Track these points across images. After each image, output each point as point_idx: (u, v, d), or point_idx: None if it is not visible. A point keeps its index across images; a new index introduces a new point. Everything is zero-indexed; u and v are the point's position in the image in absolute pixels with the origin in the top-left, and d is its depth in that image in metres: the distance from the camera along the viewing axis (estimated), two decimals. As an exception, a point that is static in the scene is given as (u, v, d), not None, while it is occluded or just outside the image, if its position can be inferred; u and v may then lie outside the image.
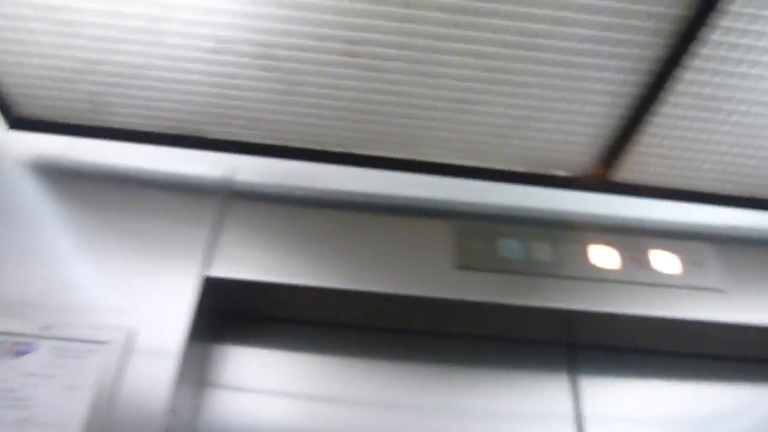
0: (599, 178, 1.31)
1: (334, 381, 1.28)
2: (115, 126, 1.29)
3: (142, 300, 1.15)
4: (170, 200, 1.28)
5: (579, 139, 1.23)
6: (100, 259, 1.19)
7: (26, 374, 1.06)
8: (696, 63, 1.07)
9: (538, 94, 1.15)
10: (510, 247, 1.31)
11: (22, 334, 1.10)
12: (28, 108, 1.28)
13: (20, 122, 1.31)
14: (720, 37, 1.03)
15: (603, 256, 1.32)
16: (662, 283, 1.30)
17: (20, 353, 1.08)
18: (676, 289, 1.30)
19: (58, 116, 1.29)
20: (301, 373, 1.28)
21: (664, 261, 1.33)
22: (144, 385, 1.06)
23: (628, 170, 1.30)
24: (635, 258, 1.32)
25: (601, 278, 1.29)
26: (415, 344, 1.34)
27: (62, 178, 1.30)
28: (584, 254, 1.31)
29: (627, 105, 1.16)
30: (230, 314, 1.31)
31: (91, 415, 1.02)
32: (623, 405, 1.33)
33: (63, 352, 1.08)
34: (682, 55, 1.04)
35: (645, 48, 1.05)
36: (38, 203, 1.26)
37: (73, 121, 1.29)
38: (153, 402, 1.05)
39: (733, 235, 1.40)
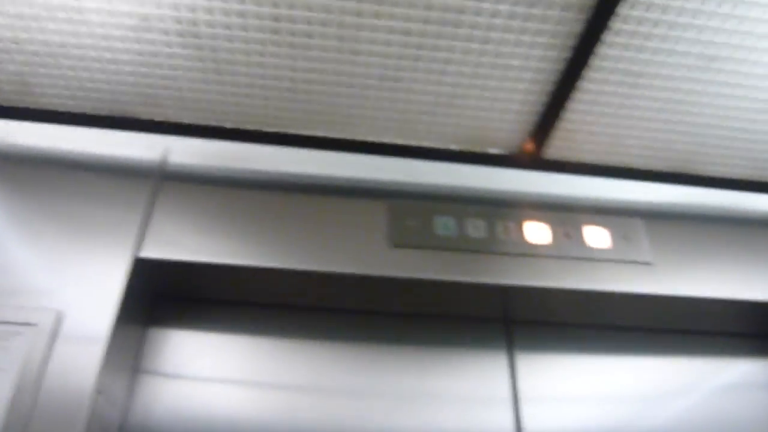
0: (530, 156, 1.34)
1: (268, 364, 1.28)
2: (44, 107, 1.27)
3: (72, 282, 1.14)
4: (102, 182, 1.27)
5: (508, 116, 1.26)
6: (29, 241, 1.18)
7: (-52, 357, 1.04)
8: (612, 38, 1.10)
9: (465, 71, 1.16)
10: (445, 224, 1.32)
11: (-54, 317, 1.08)
12: (-48, 90, 1.25)
13: (-55, 105, 1.28)
14: (634, 12, 1.06)
15: (536, 232, 1.35)
16: (593, 258, 1.33)
17: (-57, 337, 1.06)
18: (606, 263, 1.33)
19: (-16, 98, 1.26)
20: (235, 356, 1.28)
21: (595, 236, 1.36)
22: (71, 368, 1.05)
23: (557, 147, 1.33)
24: (567, 233, 1.36)
25: (535, 254, 1.31)
26: (351, 324, 1.35)
27: (-8, 162, 1.27)
28: (519, 231, 1.34)
29: (551, 81, 1.18)
30: (163, 297, 1.30)
31: (16, 398, 1.01)
32: (560, 382, 1.35)
33: (-12, 334, 1.07)
34: (601, 29, 1.07)
35: (564, 23, 1.07)
36: (-35, 187, 1.23)
37: (1, 104, 1.27)
38: (79, 386, 1.03)
39: (660, 210, 1.44)
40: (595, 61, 1.14)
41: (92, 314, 1.10)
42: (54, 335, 1.08)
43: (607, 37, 1.09)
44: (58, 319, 1.09)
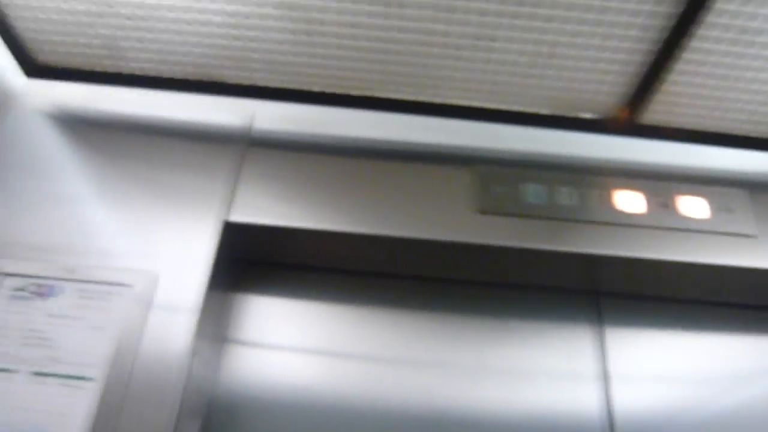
0: (625, 121, 1.27)
1: (350, 332, 1.28)
2: (132, 72, 1.28)
3: (164, 245, 1.15)
4: (189, 147, 1.27)
5: (607, 78, 1.19)
6: (120, 206, 1.19)
7: (52, 315, 1.07)
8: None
9: (566, 29, 1.10)
10: (534, 191, 1.28)
11: (46, 277, 1.10)
12: (45, 55, 1.27)
13: (38, 70, 1.30)
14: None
15: (629, 201, 1.29)
16: (690, 228, 1.27)
17: (45, 295, 1.09)
18: (704, 235, 1.26)
19: (75, 63, 1.28)
20: (317, 324, 1.28)
21: (692, 206, 1.29)
22: (167, 330, 1.07)
23: (655, 112, 1.26)
24: (662, 203, 1.29)
25: (627, 223, 1.26)
26: (436, 293, 1.33)
27: (81, 127, 1.29)
28: (610, 199, 1.29)
29: (655, 39, 1.11)
30: (248, 262, 1.31)
31: (116, 356, 1.03)
32: (652, 359, 1.30)
33: (86, 294, 1.09)
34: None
35: (677, -24, 1.01)
36: (58, 151, 1.26)
37: (90, 68, 1.28)
38: (176, 348, 1.05)
39: (764, 180, 1.35)
40: (707, 17, 1.06)
41: (183, 277, 1.12)
42: (149, 297, 1.09)
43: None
44: (153, 281, 1.11)
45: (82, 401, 1.00)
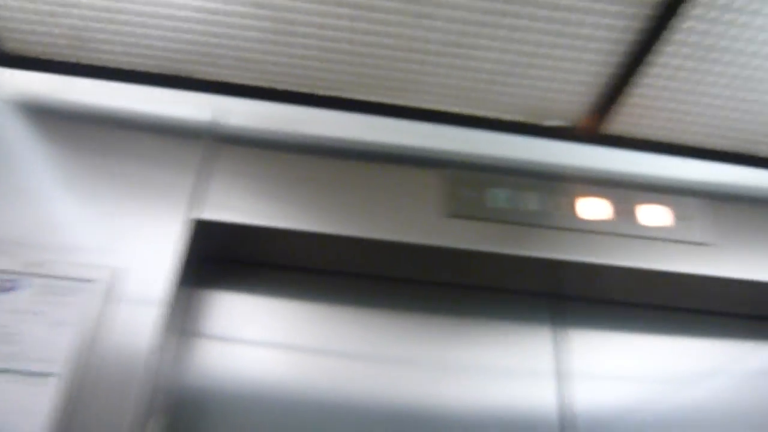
0: (591, 130, 1.29)
1: (316, 330, 1.28)
2: (100, 64, 1.26)
3: (129, 241, 1.15)
4: (157, 142, 1.27)
5: (573, 88, 1.21)
6: (86, 199, 1.19)
7: (13, 311, 1.06)
8: (696, 11, 1.04)
9: (534, 39, 1.12)
10: (499, 196, 1.30)
11: (7, 271, 1.10)
12: (11, 44, 1.25)
13: (5, 59, 1.28)
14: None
15: (592, 208, 1.31)
16: (651, 236, 1.30)
17: (6, 289, 1.08)
18: (664, 242, 1.30)
19: (41, 53, 1.25)
20: (284, 321, 1.29)
21: (653, 214, 1.32)
22: (128, 326, 1.07)
23: (620, 122, 1.28)
24: (624, 210, 1.32)
25: (589, 230, 1.29)
26: (400, 293, 1.35)
27: (47, 118, 1.28)
28: (573, 206, 1.31)
29: (624, 53, 1.13)
30: (215, 259, 1.31)
31: (78, 352, 1.03)
32: (606, 360, 1.34)
33: (49, 289, 1.09)
34: (682, 1, 1.01)
35: (644, -8, 1.02)
36: (23, 143, 1.24)
37: (59, 59, 1.26)
38: (136, 344, 1.05)
39: (723, 191, 1.39)
40: (675, 35, 1.08)
41: (149, 274, 1.12)
42: (112, 292, 1.09)
43: (686, 8, 1.03)
44: (116, 277, 1.11)
45: (44, 397, 1.00)
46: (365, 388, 1.24)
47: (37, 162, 1.22)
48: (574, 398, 1.28)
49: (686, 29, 1.08)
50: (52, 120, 1.27)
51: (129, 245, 1.14)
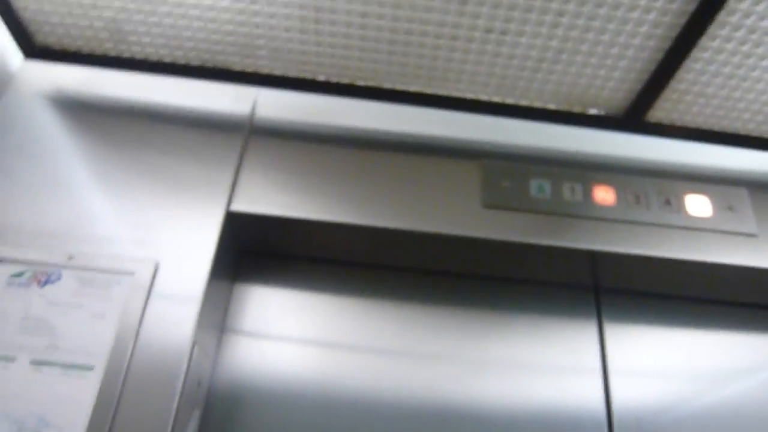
0: (634, 118, 1.27)
1: (351, 324, 1.27)
2: (134, 56, 1.26)
3: (165, 233, 1.13)
4: (190, 135, 1.25)
5: (612, 74, 1.19)
6: (120, 192, 1.17)
7: (52, 303, 1.05)
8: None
9: (581, 24, 1.09)
10: (538, 186, 1.28)
11: (47, 264, 1.08)
12: (46, 36, 1.24)
13: (38, 51, 1.27)
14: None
15: (633, 198, 1.29)
16: (693, 227, 1.27)
17: (44, 282, 1.07)
18: (706, 233, 1.27)
19: (76, 46, 1.25)
20: (318, 316, 1.27)
21: (695, 204, 1.30)
22: (168, 319, 1.05)
23: (664, 110, 1.26)
24: (667, 200, 1.29)
25: (630, 220, 1.26)
26: (439, 286, 1.33)
27: (82, 111, 1.27)
28: (616, 196, 1.28)
29: (665, 37, 1.10)
30: (250, 253, 1.30)
31: (116, 344, 1.02)
32: (651, 356, 1.31)
33: (88, 281, 1.07)
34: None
35: (693, -27, 1.00)
36: (57, 136, 1.23)
37: (92, 51, 1.26)
38: (177, 338, 1.04)
39: (764, 179, 1.36)
40: (720, 16, 1.06)
41: (187, 267, 1.10)
42: (150, 285, 1.08)
43: (739, -11, 1.01)
44: (155, 270, 1.09)
45: (83, 390, 0.98)
46: (403, 384, 1.22)
47: (74, 155, 1.20)
48: (622, 394, 1.25)
49: (728, 9, 1.05)
50: (89, 114, 1.26)
51: (164, 238, 1.13)
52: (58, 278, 1.07)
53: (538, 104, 1.26)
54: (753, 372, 1.32)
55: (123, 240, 1.12)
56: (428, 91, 1.25)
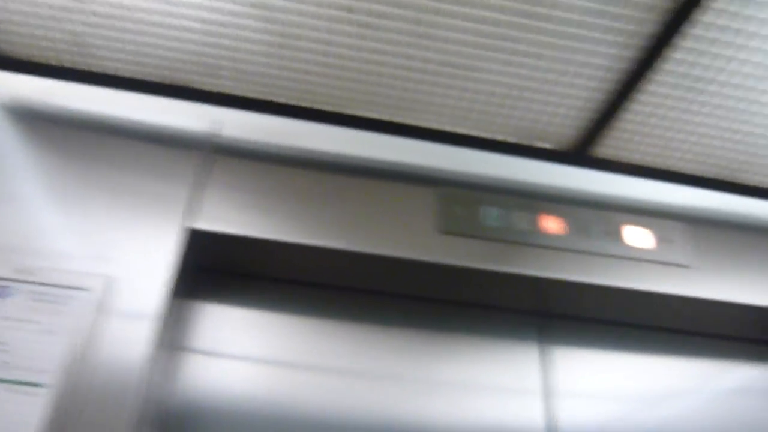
0: (581, 153, 1.34)
1: (307, 344, 1.28)
2: (98, 71, 1.25)
3: (122, 250, 1.13)
4: (154, 152, 1.26)
5: (565, 111, 1.25)
6: (79, 207, 1.17)
7: (3, 318, 1.03)
8: (686, 43, 1.10)
9: (531, 64, 1.16)
10: (492, 214, 1.33)
11: (-1, 278, 1.07)
12: (7, 46, 1.23)
13: (-3, 61, 1.26)
14: (711, 19, 1.06)
15: (579, 228, 1.36)
16: (632, 257, 1.35)
17: (-4, 296, 1.05)
18: (644, 263, 1.35)
19: (38, 56, 1.23)
20: (277, 335, 1.28)
21: (634, 235, 1.38)
22: (123, 337, 1.05)
23: (609, 147, 1.33)
24: (609, 231, 1.37)
25: (576, 249, 1.33)
26: (393, 308, 1.36)
27: (40, 122, 1.26)
28: (562, 225, 1.35)
29: (615, 80, 1.18)
30: (211, 271, 1.30)
31: (70, 362, 1.01)
32: (590, 378, 1.38)
33: (41, 296, 1.06)
34: (674, 33, 1.07)
35: (640, 24, 1.07)
36: (14, 147, 1.22)
37: (53, 63, 1.25)
38: (132, 356, 1.04)
39: (704, 216, 1.45)
40: (664, 64, 1.14)
41: (143, 284, 1.10)
42: (105, 302, 1.07)
43: (680, 41, 1.09)
44: (110, 286, 1.09)
45: (34, 408, 0.97)
46: (354, 404, 1.24)
47: (29, 168, 1.19)
48: (561, 416, 1.31)
49: (676, 60, 1.13)
50: (47, 126, 1.25)
51: (123, 254, 1.13)
52: (9, 293, 1.06)
53: (491, 136, 1.31)
54: (683, 395, 1.40)
55: (78, 255, 1.11)
56: (388, 118, 1.29)
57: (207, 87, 1.26)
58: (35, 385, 0.99)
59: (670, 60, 1.13)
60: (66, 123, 1.26)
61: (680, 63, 1.14)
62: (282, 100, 1.27)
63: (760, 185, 1.38)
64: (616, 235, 1.37)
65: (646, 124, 1.27)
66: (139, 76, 1.25)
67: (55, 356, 1.01)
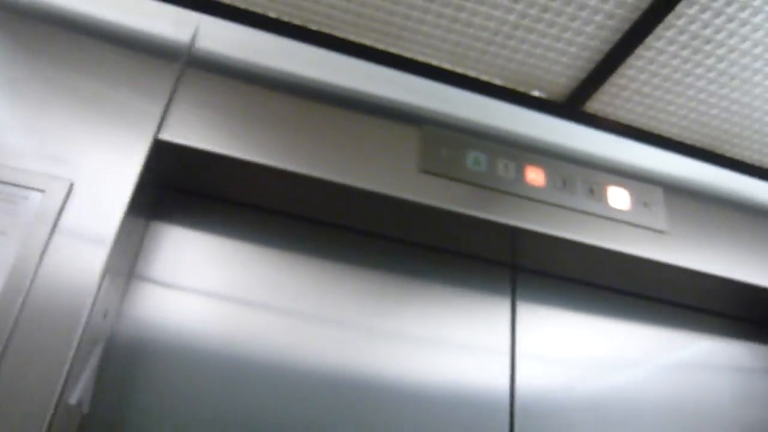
0: (575, 107, 1.30)
1: (267, 277, 1.22)
2: (70, -43, 1.15)
3: (83, 154, 1.04)
4: (122, 55, 1.16)
5: (560, 58, 1.21)
6: (37, 105, 1.07)
7: (-55, 211, 0.95)
8: (701, -2, 1.06)
9: (533, 1, 1.10)
10: (475, 158, 1.29)
11: (-57, 169, 0.98)
12: None
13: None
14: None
15: (561, 182, 1.33)
16: (611, 217, 1.33)
17: (-61, 189, 0.96)
18: (623, 225, 1.33)
19: (2, -67, 1.12)
20: (237, 264, 1.22)
21: (615, 196, 1.35)
22: (79, 243, 0.97)
23: (601, 102, 1.30)
24: (590, 189, 1.34)
25: (556, 203, 1.30)
26: (364, 246, 1.32)
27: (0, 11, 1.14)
28: (545, 178, 1.32)
29: (620, 30, 1.14)
30: (173, 188, 1.23)
31: (17, 264, 0.93)
32: (559, 339, 1.37)
33: (-9, 193, 0.98)
34: (688, -16, 1.03)
35: (653, -31, 1.03)
36: (-33, 32, 1.11)
37: (19, -57, 1.14)
38: (86, 263, 0.96)
39: (684, 184, 1.44)
40: (675, 20, 1.10)
41: (105, 191, 1.02)
42: (62, 205, 0.99)
43: (698, -5, 1.05)
44: (69, 191, 1.01)
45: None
46: (310, 347, 1.19)
47: (-16, 54, 1.09)
48: (527, 374, 1.30)
49: (688, 16, 1.09)
50: (8, 15, 1.13)
51: (84, 159, 1.04)
52: (-45, 186, 0.97)
53: (485, 77, 1.26)
54: (646, 363, 1.41)
55: (34, 155, 1.02)
56: (380, 46, 1.22)
57: (189, -11, 1.18)
58: (-25, 287, 0.91)
59: (683, 16, 1.09)
60: (30, 15, 1.15)
61: (693, 20, 1.10)
62: (270, 13, 1.19)
63: (747, 161, 1.37)
64: (598, 194, 1.34)
65: (647, 84, 1.23)
66: (115, -31, 1.15)
67: (2, 258, 0.94)
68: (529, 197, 1.29)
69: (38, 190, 1.00)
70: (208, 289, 1.19)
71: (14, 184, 0.99)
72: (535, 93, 1.29)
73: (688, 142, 1.35)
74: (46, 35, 1.14)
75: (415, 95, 1.31)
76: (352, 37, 1.21)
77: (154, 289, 1.16)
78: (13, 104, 1.06)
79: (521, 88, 1.28)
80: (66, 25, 1.16)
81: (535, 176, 1.32)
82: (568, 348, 1.37)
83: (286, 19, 1.19)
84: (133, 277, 1.16)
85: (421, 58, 1.23)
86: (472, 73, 1.26)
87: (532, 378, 1.31)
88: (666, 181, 1.42)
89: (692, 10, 1.09)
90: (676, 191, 1.42)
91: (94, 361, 1.04)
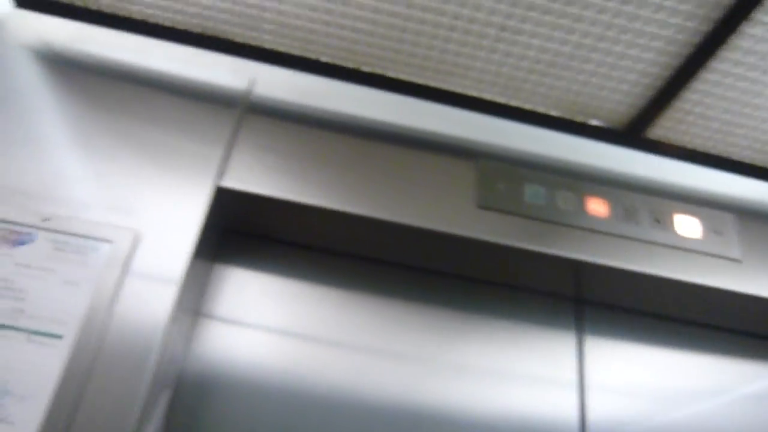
0: (632, 134, 1.26)
1: (333, 315, 1.23)
2: (133, 16, 1.20)
3: (148, 204, 1.08)
4: (183, 105, 1.20)
5: (626, 88, 1.18)
6: (104, 157, 1.11)
7: (23, 265, 0.99)
8: (761, 15, 1.02)
9: (596, 32, 1.08)
10: (534, 192, 1.26)
11: (20, 224, 1.02)
12: (37, -16, 1.18)
13: (29, 0, 1.21)
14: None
15: (626, 213, 1.28)
16: (680, 246, 1.27)
17: (17, 243, 1.01)
18: (693, 254, 1.27)
19: (71, -3, 1.19)
20: (301, 304, 1.23)
21: (684, 224, 1.30)
22: (145, 291, 1.00)
23: (664, 128, 1.25)
24: (656, 218, 1.30)
25: (620, 234, 1.26)
26: (426, 284, 1.30)
27: (69, 68, 1.20)
28: (608, 209, 1.28)
29: (681, 54, 1.10)
30: (236, 232, 1.25)
31: (89, 314, 0.96)
32: (628, 372, 1.31)
33: (63, 245, 1.02)
34: (755, 5, 0.98)
35: (714, -7, 0.99)
36: (41, 91, 1.17)
37: (86, 6, 1.19)
38: (153, 311, 0.99)
39: (754, 208, 1.37)
40: (734, 40, 1.06)
41: (170, 239, 1.05)
42: (130, 255, 1.03)
43: (757, 14, 1.01)
44: (136, 240, 1.04)
45: (50, 359, 0.93)
46: (377, 382, 1.19)
47: (56, 113, 1.14)
48: (597, 408, 1.25)
49: (754, 37, 1.05)
50: (76, 72, 1.19)
51: (149, 209, 1.08)
52: (31, 240, 1.01)
53: (541, 109, 1.24)
54: (724, 393, 1.33)
55: (102, 206, 1.07)
56: (432, 84, 1.22)
57: (247, 40, 1.21)
58: (52, 335, 0.94)
59: (746, 36, 1.04)
60: (97, 70, 1.21)
61: (759, 41, 1.05)
62: (323, 58, 1.21)
63: (823, 180, 1.30)
64: (664, 223, 1.29)
65: (713, 107, 1.18)
66: (173, 24, 1.20)
67: (73, 308, 0.97)
68: (591, 229, 1.25)
69: (106, 240, 1.03)
70: (269, 325, 1.20)
71: (84, 236, 1.03)
72: (594, 122, 1.25)
73: (759, 164, 1.28)
74: (112, 89, 1.19)
75: (470, 130, 1.30)
76: (403, 77, 1.22)
77: (220, 327, 1.18)
78: (84, 158, 1.10)
79: (579, 118, 1.25)
80: (130, 79, 1.21)
81: (596, 207, 1.28)
82: (638, 381, 1.31)
83: (339, 63, 1.21)
84: (199, 317, 1.18)
85: (474, 93, 1.23)
86: (527, 106, 1.24)
87: (603, 411, 1.26)
88: (738, 207, 1.36)
89: (756, 31, 1.04)
90: (750, 216, 1.35)
91: (164, 399, 1.06)
